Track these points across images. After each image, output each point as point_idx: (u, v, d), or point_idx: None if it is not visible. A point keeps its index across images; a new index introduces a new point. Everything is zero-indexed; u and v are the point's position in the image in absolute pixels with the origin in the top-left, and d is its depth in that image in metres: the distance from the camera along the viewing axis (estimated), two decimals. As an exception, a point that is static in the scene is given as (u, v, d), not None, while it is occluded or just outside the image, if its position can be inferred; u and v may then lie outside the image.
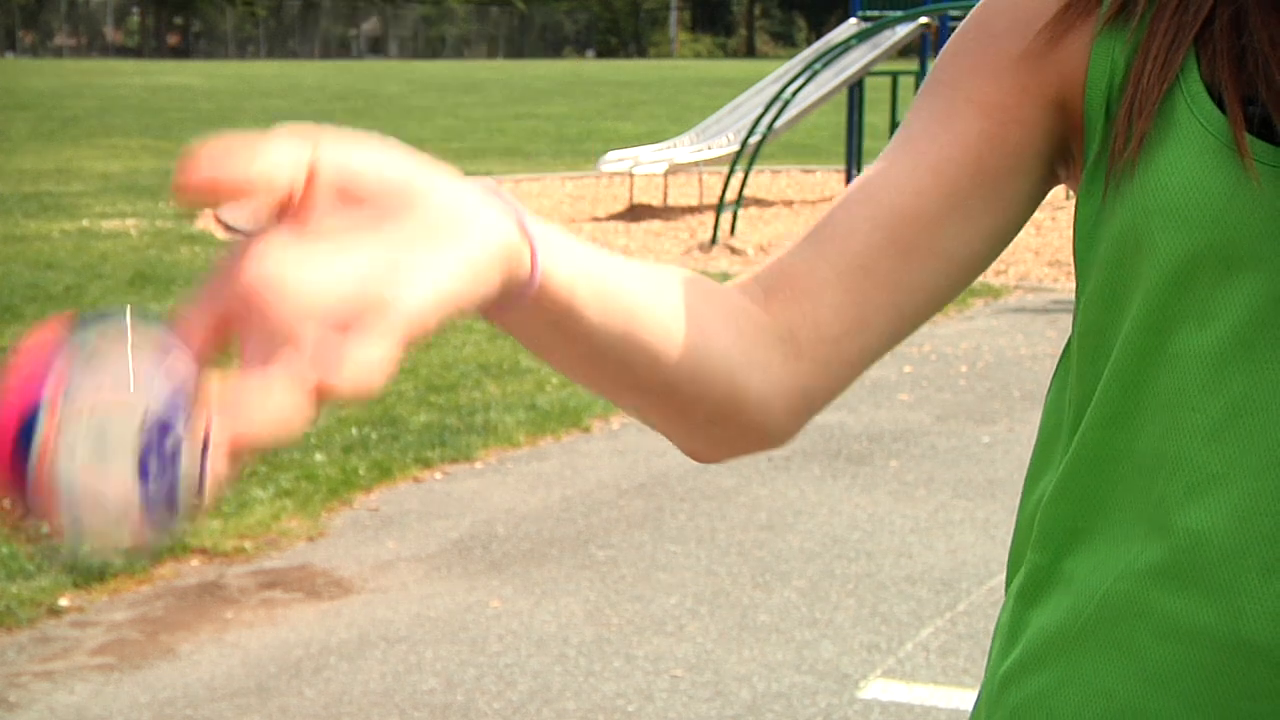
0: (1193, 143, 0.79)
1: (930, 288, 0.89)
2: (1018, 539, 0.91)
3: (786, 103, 11.01)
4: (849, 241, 0.88)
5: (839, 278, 0.87)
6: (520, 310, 0.69)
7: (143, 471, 0.52)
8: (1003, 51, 0.88)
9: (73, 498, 0.52)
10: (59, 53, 68.21)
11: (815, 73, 11.19)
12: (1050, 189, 0.93)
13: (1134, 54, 0.83)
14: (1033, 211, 0.93)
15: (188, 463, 0.53)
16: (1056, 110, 0.87)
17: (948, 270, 0.89)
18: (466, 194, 0.63)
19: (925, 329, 8.00)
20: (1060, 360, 0.90)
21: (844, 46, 11.55)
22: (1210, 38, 0.80)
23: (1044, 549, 0.87)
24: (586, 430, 5.93)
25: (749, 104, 12.88)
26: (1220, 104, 0.79)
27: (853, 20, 12.97)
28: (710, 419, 0.83)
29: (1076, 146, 0.88)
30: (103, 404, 0.52)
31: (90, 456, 0.52)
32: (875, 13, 12.70)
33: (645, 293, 0.76)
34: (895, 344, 0.91)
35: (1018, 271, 9.80)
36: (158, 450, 0.52)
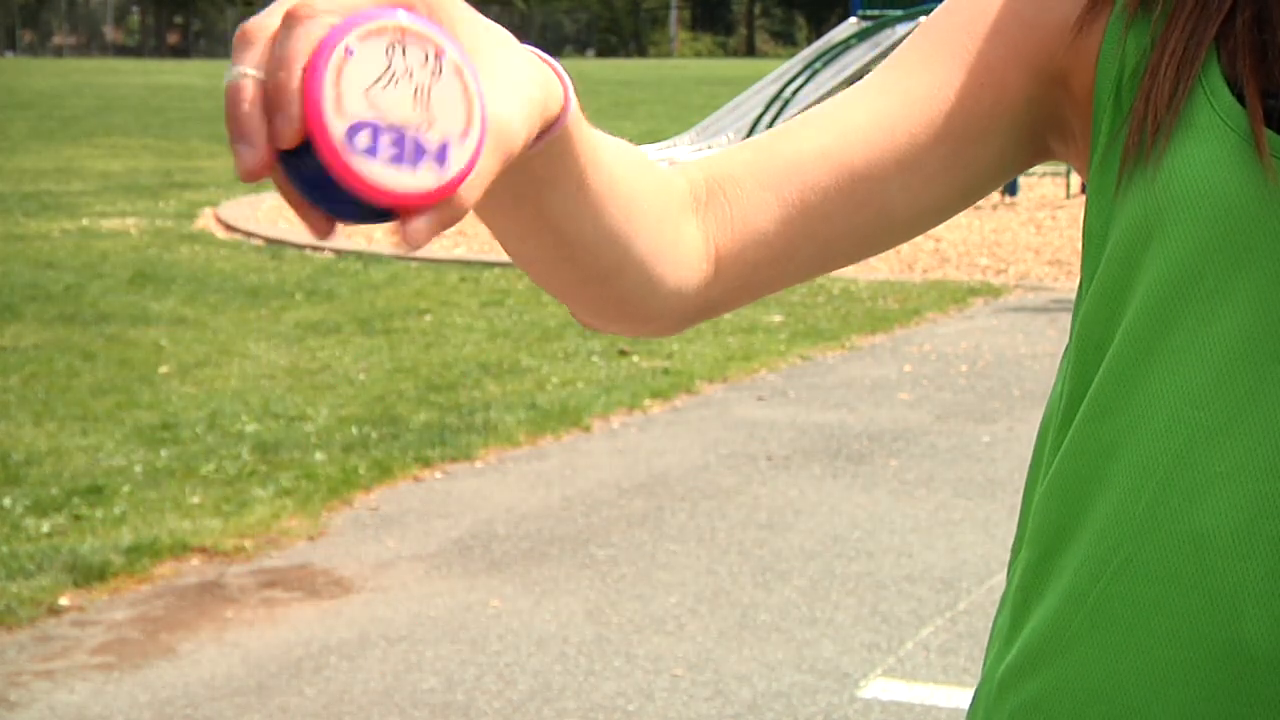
0: (1211, 137, 0.78)
1: (863, 237, 0.89)
2: (1017, 540, 0.90)
3: (786, 102, 11.01)
4: (796, 172, 0.87)
5: (776, 206, 0.87)
6: (532, 152, 0.70)
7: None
8: (1007, 6, 0.87)
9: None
10: (59, 52, 68.20)
11: (815, 72, 11.19)
12: (1036, 161, 0.91)
13: (1151, 46, 0.81)
14: (1002, 181, 0.92)
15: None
16: (1052, 81, 0.86)
17: (886, 224, 0.89)
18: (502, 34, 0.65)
19: (925, 328, 8.00)
20: (1062, 358, 0.89)
21: (844, 45, 11.55)
22: (1231, 33, 0.79)
23: (1036, 545, 0.85)
24: (586, 430, 5.93)
25: (749, 103, 12.88)
26: (1240, 99, 0.78)
27: (853, 19, 12.98)
28: (613, 297, 0.84)
29: (1080, 127, 0.87)
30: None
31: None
32: (875, 12, 12.71)
33: (620, 165, 0.78)
34: (809, 279, 0.91)
35: (1018, 270, 9.77)
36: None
